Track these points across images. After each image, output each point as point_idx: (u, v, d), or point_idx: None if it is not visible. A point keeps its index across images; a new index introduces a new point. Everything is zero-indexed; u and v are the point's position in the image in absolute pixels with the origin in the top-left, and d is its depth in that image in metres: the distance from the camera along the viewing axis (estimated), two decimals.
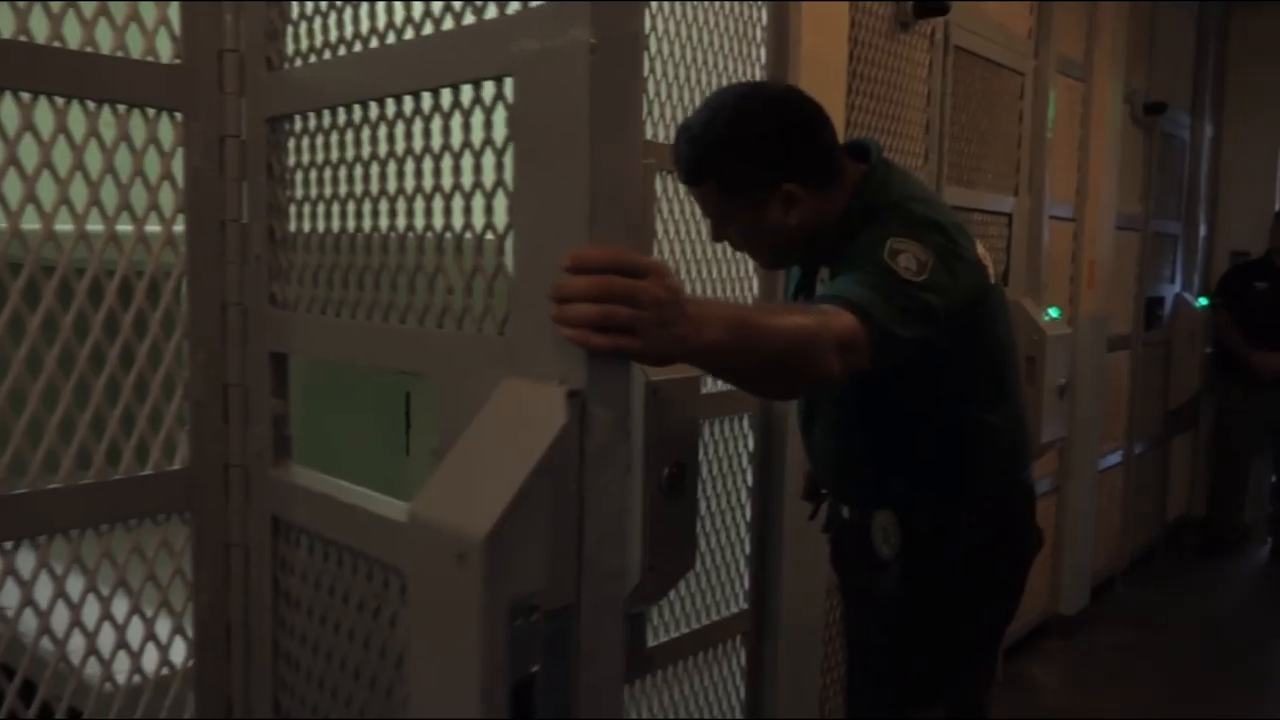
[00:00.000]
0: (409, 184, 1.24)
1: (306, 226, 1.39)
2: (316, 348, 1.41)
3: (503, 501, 0.85)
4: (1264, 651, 4.12)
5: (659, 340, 0.99)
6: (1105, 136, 4.05)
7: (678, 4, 1.95)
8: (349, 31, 1.31)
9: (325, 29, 1.34)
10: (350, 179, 1.33)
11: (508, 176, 1.10)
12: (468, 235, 1.17)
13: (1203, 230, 5.68)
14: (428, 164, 1.22)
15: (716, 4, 2.06)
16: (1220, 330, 5.26)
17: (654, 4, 1.89)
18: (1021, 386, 1.80)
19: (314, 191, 1.38)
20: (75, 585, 1.36)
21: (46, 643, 1.34)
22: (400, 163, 1.25)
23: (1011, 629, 3.07)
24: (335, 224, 1.36)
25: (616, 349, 0.96)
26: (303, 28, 1.38)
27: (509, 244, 1.09)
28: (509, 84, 1.07)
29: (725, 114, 1.53)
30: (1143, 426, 4.91)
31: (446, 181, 1.20)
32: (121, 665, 1.42)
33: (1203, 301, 5.46)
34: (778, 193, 1.54)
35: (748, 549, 2.31)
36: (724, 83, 2.03)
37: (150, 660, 1.44)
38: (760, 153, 1.54)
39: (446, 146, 1.19)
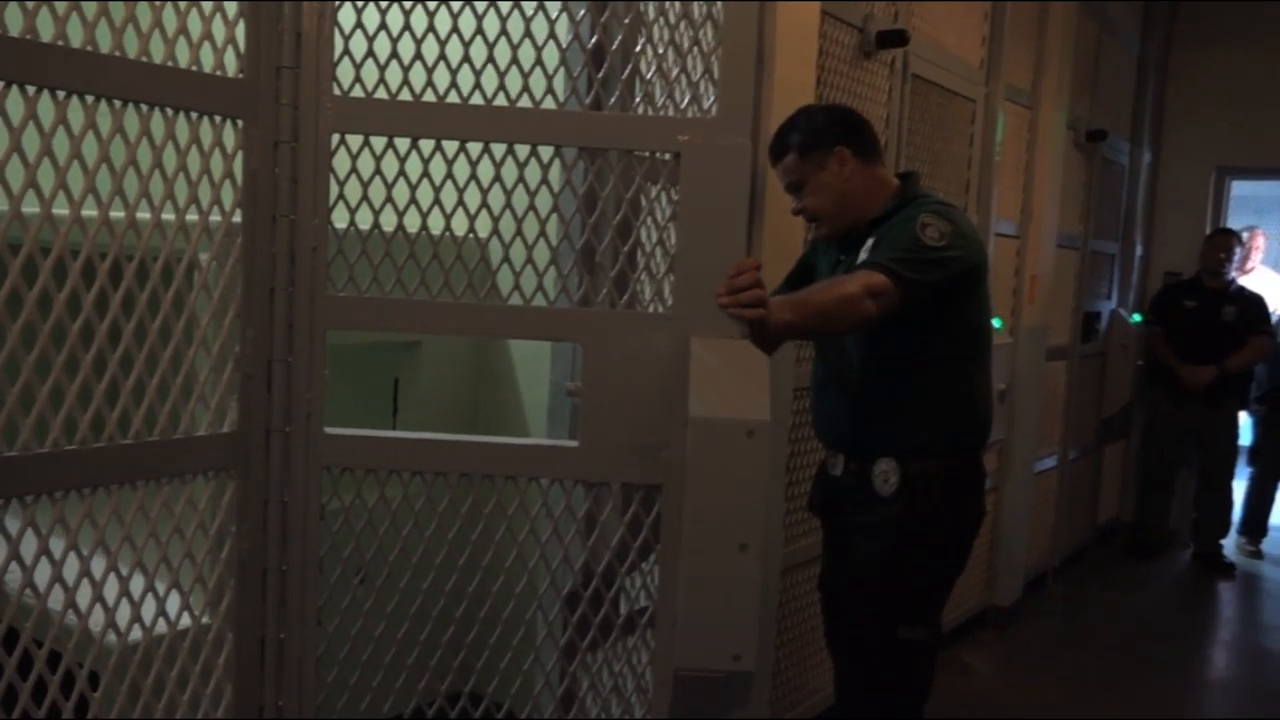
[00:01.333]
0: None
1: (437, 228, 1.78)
2: (422, 326, 1.84)
3: (766, 399, 1.48)
4: (1184, 645, 4.39)
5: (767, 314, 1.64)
6: (1049, 160, 4.31)
7: (657, 27, 2.16)
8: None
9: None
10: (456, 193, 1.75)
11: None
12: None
13: (1138, 250, 5.95)
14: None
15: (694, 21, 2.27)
16: (1152, 345, 5.52)
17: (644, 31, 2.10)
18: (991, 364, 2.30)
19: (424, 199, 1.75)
20: (138, 532, 1.55)
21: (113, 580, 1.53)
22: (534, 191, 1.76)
23: (949, 618, 3.31)
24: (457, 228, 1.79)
25: (758, 317, 1.62)
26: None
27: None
28: None
29: (795, 111, 2.20)
30: (1077, 433, 5.16)
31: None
32: (173, 604, 1.60)
33: (1136, 317, 5.72)
34: (834, 153, 2.13)
35: None
36: None
37: (198, 602, 1.63)
38: (820, 124, 2.16)
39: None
